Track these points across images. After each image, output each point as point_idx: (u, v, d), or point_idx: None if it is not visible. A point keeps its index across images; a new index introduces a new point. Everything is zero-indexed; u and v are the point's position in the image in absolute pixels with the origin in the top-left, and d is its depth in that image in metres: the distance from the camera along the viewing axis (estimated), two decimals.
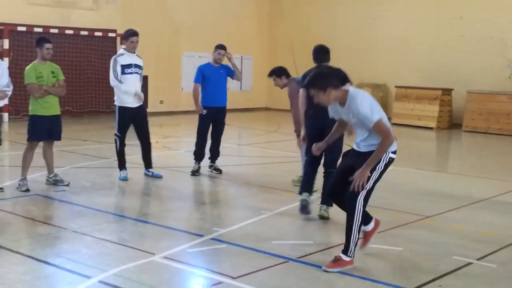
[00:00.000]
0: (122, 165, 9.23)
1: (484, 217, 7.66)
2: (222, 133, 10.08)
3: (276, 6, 22.98)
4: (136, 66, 9.14)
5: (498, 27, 17.77)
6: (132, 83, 9.06)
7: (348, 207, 5.31)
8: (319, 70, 5.67)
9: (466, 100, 17.88)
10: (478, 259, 5.80)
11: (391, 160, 5.33)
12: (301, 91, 7.68)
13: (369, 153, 5.23)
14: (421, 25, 19.31)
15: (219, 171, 9.90)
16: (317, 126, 7.17)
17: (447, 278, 5.27)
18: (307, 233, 6.70)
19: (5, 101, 8.07)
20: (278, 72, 9.21)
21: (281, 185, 9.07)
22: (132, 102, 9.08)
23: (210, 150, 10.01)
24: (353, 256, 5.37)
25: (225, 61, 9.92)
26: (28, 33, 16.73)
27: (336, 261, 5.36)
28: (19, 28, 16.72)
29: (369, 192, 5.33)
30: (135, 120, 9.21)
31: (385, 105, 20.16)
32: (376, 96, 20.12)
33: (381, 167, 5.28)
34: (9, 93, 8.09)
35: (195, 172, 9.80)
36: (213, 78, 9.79)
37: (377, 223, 5.75)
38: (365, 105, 5.14)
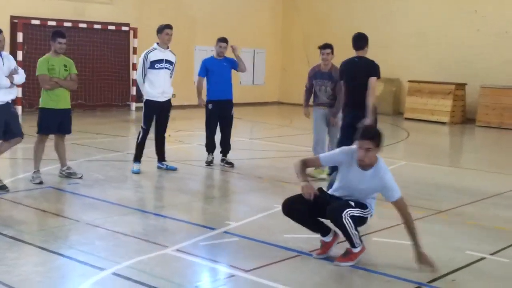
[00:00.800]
0: (138, 157, 9.25)
1: (498, 211, 7.62)
2: (231, 126, 10.09)
3: (290, 0, 22.90)
4: (167, 61, 9.23)
5: None
6: (161, 78, 9.15)
7: (338, 226, 5.30)
8: (378, 128, 5.65)
9: (479, 95, 17.75)
10: (491, 254, 5.78)
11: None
12: (342, 83, 8.28)
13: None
14: (435, 20, 19.17)
15: (231, 164, 9.90)
16: (348, 124, 7.80)
17: (460, 273, 5.25)
18: None
19: (13, 95, 8.00)
20: (333, 49, 9.30)
21: (293, 179, 9.01)
22: (160, 96, 9.16)
23: (221, 144, 10.04)
24: (362, 244, 5.36)
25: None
26: (42, 26, 16.79)
27: (347, 254, 5.35)
28: (33, 22, 16.77)
29: (358, 218, 5.34)
30: (159, 113, 9.28)
31: (398, 100, 20.10)
32: (388, 90, 20.06)
33: (370, 214, 5.44)
34: (19, 78, 7.99)
35: (210, 163, 9.92)
36: (216, 71, 9.85)
37: (336, 237, 5.57)
38: (392, 178, 5.28)
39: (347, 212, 5.22)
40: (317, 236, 5.67)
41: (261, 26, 22.46)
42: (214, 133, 10.01)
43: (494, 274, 5.33)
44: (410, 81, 19.31)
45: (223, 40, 9.92)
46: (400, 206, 5.26)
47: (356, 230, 5.31)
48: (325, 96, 9.25)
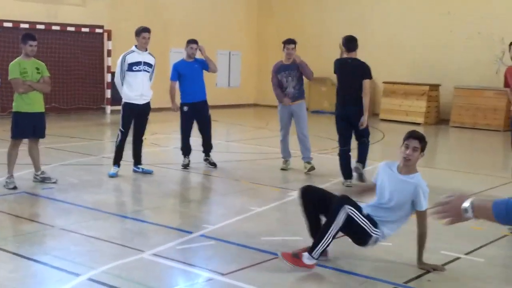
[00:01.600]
0: (117, 160, 9.20)
1: None
2: (209, 126, 10.09)
3: (265, 2, 22.92)
4: (146, 64, 9.20)
5: (485, 23, 17.81)
6: (140, 80, 9.14)
7: (332, 214, 5.09)
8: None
9: (453, 96, 17.95)
10: (466, 254, 5.84)
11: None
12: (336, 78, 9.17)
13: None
14: (409, 21, 19.33)
15: (213, 165, 9.93)
16: (342, 117, 8.76)
17: (436, 273, 5.29)
18: (295, 228, 6.67)
19: None
20: (296, 45, 9.72)
21: (269, 181, 9.07)
22: (138, 99, 9.16)
23: (203, 144, 10.09)
24: (317, 259, 5.16)
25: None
26: (14, 29, 16.58)
27: (295, 257, 5.16)
28: (6, 24, 16.57)
29: (356, 226, 5.19)
30: (138, 116, 9.24)
31: (373, 101, 20.20)
32: None
33: (377, 237, 5.34)
34: None
35: (186, 166, 9.90)
36: (188, 73, 9.87)
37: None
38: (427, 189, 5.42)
39: (351, 209, 5.06)
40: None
41: (237, 28, 22.46)
42: (189, 135, 10.01)
43: (469, 274, 5.38)
44: (384, 82, 19.45)
45: (193, 41, 9.94)
46: (424, 217, 5.37)
47: (331, 240, 5.08)
48: (292, 86, 9.50)
